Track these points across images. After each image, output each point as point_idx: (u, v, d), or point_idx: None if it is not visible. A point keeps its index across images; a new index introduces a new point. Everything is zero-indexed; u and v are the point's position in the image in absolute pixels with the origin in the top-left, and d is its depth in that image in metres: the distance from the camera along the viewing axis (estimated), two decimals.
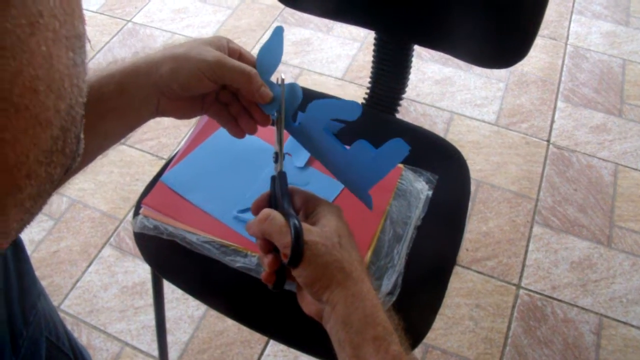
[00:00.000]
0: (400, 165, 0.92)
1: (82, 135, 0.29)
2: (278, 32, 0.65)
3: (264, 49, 0.65)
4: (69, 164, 0.28)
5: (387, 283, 0.77)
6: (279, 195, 0.61)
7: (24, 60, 0.21)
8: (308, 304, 0.60)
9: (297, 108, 0.65)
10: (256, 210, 0.64)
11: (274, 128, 0.66)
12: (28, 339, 0.71)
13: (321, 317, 0.57)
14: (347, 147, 0.64)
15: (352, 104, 0.61)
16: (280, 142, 0.64)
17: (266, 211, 0.59)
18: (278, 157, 0.64)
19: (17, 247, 0.69)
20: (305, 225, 0.57)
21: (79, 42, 0.25)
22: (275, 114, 0.65)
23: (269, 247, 0.60)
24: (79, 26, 0.26)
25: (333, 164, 0.66)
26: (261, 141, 0.92)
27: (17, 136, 0.22)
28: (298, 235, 0.54)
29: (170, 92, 0.63)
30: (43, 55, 0.22)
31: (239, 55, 0.66)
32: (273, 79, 0.66)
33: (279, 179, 0.63)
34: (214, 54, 0.61)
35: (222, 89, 0.67)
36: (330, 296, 0.55)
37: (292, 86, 0.65)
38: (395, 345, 0.53)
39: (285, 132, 0.66)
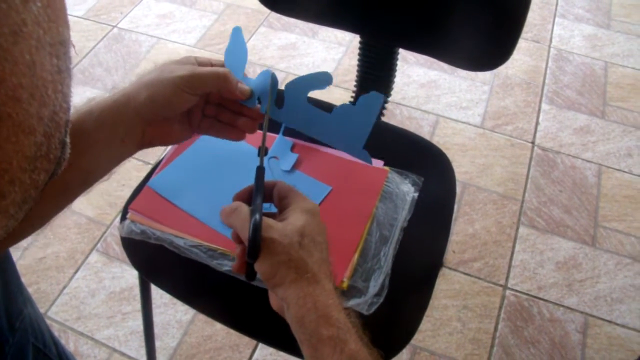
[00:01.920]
0: (386, 168, 0.93)
1: (67, 140, 0.29)
2: (237, 32, 0.69)
3: (228, 51, 0.70)
4: (54, 169, 0.28)
5: (375, 284, 0.78)
6: (254, 190, 0.63)
7: (7, 69, 0.21)
8: (273, 300, 0.61)
9: (277, 94, 0.69)
10: (235, 201, 0.66)
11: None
12: (14, 346, 0.71)
13: (284, 313, 0.59)
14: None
15: (323, 73, 0.66)
16: (263, 138, 0.66)
17: (235, 204, 0.61)
18: (260, 152, 0.66)
19: (2, 254, 0.69)
20: (268, 222, 0.58)
21: (63, 48, 0.25)
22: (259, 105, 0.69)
23: (240, 238, 0.61)
24: (64, 32, 0.25)
25: (325, 131, 0.69)
26: (247, 145, 0.93)
27: (0, 144, 0.22)
28: (255, 231, 0.56)
29: (154, 117, 0.63)
30: (26, 63, 0.22)
31: (210, 64, 0.68)
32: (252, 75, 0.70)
33: (256, 174, 0.64)
34: (185, 68, 0.63)
35: (207, 102, 0.68)
36: (285, 294, 0.56)
37: (265, 75, 0.68)
38: (352, 344, 0.54)
39: (270, 136, 0.68)
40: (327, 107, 0.68)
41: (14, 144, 0.23)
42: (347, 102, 0.68)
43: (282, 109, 0.69)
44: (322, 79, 0.66)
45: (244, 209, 0.60)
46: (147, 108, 0.62)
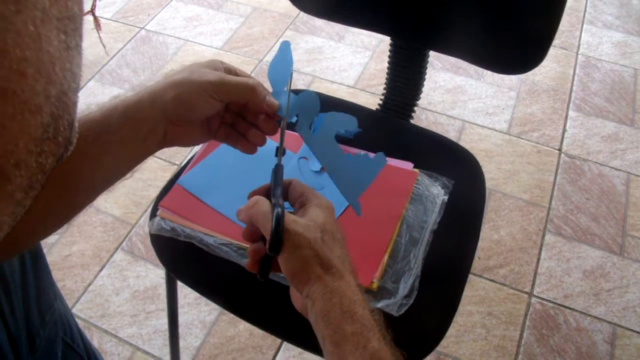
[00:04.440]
0: (416, 170, 0.92)
1: (75, 123, 0.28)
2: (284, 47, 0.70)
3: (273, 64, 0.70)
4: (62, 153, 0.26)
5: (405, 286, 0.77)
6: (272, 185, 0.63)
7: (9, 40, 0.20)
8: (296, 299, 0.60)
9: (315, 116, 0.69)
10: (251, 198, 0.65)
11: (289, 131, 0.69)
12: (45, 339, 0.72)
13: (306, 312, 0.58)
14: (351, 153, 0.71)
15: (352, 118, 0.70)
16: (281, 137, 0.66)
17: (255, 198, 0.60)
18: (278, 151, 0.66)
19: (35, 247, 0.70)
20: (290, 216, 0.57)
21: (72, 24, 0.24)
22: (296, 118, 0.69)
23: (254, 236, 0.61)
24: (73, 7, 0.24)
25: (336, 169, 0.70)
26: (276, 144, 0.93)
27: (4, 123, 0.21)
28: (279, 221, 0.55)
29: (178, 117, 0.62)
30: (31, 35, 0.21)
31: (235, 74, 0.67)
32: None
33: (274, 171, 0.64)
34: (215, 74, 0.62)
35: (226, 110, 0.67)
36: (310, 291, 0.55)
37: (309, 95, 0.68)
38: (375, 342, 0.53)
39: (300, 136, 0.69)
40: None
41: (20, 124, 0.21)
42: (363, 153, 0.71)
43: (314, 134, 0.69)
44: (351, 124, 0.71)
45: (265, 202, 0.59)
46: (172, 107, 0.61)
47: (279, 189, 0.62)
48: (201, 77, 0.62)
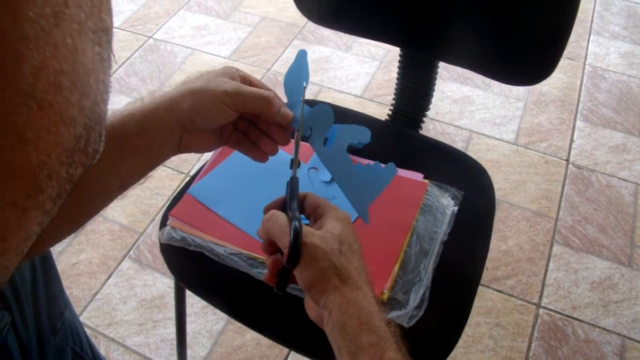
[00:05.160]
0: (426, 181, 0.92)
1: (103, 132, 0.27)
2: (301, 56, 0.70)
3: (289, 73, 0.70)
4: (90, 164, 0.27)
5: (415, 297, 0.77)
6: (288, 198, 0.63)
7: (48, 52, 0.20)
8: (311, 309, 0.60)
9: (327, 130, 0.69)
10: (267, 211, 0.65)
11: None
12: (55, 347, 0.72)
13: (322, 322, 0.58)
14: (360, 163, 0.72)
15: (366, 130, 0.72)
16: (296, 150, 0.66)
17: (271, 212, 0.61)
18: (293, 163, 0.66)
19: (45, 256, 0.70)
20: (307, 229, 0.57)
21: (105, 35, 0.24)
22: (309, 131, 0.69)
23: (272, 249, 0.61)
24: (107, 19, 0.24)
25: (346, 180, 0.71)
26: (287, 155, 0.93)
27: (39, 135, 0.21)
28: (297, 235, 0.55)
29: (193, 126, 0.63)
30: (68, 48, 0.21)
31: (250, 82, 0.68)
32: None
33: (290, 184, 0.64)
34: (231, 84, 0.63)
35: (239, 117, 0.68)
36: (327, 301, 0.55)
37: (324, 108, 0.68)
38: (391, 352, 0.53)
39: (310, 147, 0.69)
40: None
41: (54, 135, 0.22)
42: (373, 163, 0.72)
43: (327, 148, 0.70)
44: (364, 136, 0.72)
45: (282, 215, 0.59)
46: (188, 116, 0.62)
47: (295, 202, 0.62)
48: (217, 86, 0.62)
